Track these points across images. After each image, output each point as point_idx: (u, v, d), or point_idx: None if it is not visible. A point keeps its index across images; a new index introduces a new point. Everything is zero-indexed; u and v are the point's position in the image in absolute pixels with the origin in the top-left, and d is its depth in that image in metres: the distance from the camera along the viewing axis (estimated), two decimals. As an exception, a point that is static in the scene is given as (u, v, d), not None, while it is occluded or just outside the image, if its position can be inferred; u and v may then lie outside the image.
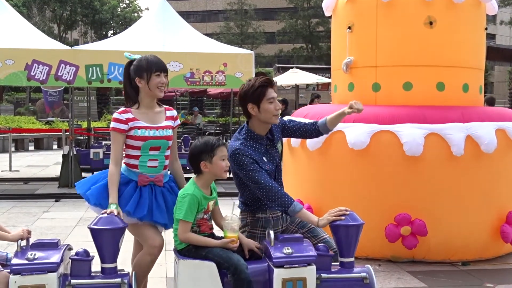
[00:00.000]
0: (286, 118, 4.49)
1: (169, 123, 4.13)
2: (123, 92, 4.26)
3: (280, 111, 3.98)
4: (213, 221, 3.80)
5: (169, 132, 4.09)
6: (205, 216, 3.67)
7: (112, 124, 3.98)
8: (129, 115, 4.00)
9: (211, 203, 3.71)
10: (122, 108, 4.06)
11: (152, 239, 3.93)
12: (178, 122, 4.28)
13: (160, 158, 4.04)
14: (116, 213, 3.60)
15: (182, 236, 3.58)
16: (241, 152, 3.82)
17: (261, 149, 3.96)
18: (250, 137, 3.96)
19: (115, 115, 4.01)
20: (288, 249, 3.44)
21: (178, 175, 4.26)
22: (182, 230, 3.57)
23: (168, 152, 4.11)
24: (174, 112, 4.24)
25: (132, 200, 3.90)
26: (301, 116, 6.86)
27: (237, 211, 3.89)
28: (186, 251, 3.60)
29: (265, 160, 3.94)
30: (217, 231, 3.81)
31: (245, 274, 3.39)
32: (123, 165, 4.04)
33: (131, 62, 4.12)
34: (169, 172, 4.23)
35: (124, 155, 4.06)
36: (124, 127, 3.97)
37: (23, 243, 3.44)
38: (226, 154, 3.69)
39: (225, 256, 3.46)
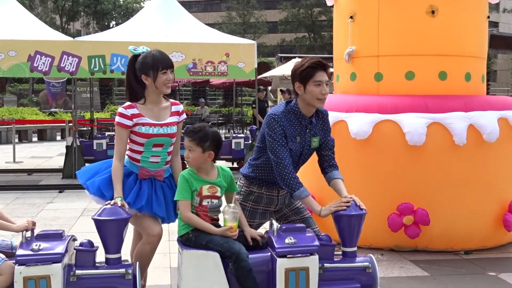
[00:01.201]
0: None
1: (174, 119, 4.12)
2: (125, 84, 4.26)
3: (326, 96, 3.90)
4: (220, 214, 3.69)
5: (173, 130, 4.08)
6: (204, 203, 3.59)
7: (117, 119, 3.97)
8: (135, 111, 3.97)
9: (207, 187, 3.61)
10: (127, 103, 4.03)
11: (151, 229, 3.96)
12: (184, 116, 4.26)
13: (162, 155, 4.06)
14: (120, 205, 3.62)
15: (183, 217, 3.58)
16: (276, 119, 3.86)
17: (298, 128, 3.94)
18: (293, 112, 3.94)
19: (121, 109, 3.99)
20: (290, 239, 3.46)
21: (175, 170, 4.21)
22: (182, 210, 3.58)
23: (171, 149, 4.12)
24: (180, 107, 4.22)
25: (132, 192, 3.92)
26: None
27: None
28: (186, 239, 3.59)
29: (297, 140, 3.93)
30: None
31: (245, 263, 3.40)
32: (126, 157, 4.05)
33: (136, 56, 4.06)
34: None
35: (127, 147, 4.05)
36: (129, 122, 3.95)
37: (28, 234, 3.46)
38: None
39: (226, 245, 3.46)
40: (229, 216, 3.53)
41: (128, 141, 4.02)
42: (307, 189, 3.83)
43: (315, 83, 3.85)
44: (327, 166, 4.10)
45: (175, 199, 3.66)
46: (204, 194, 3.61)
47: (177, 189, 3.63)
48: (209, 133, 3.66)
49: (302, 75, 3.87)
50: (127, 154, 4.05)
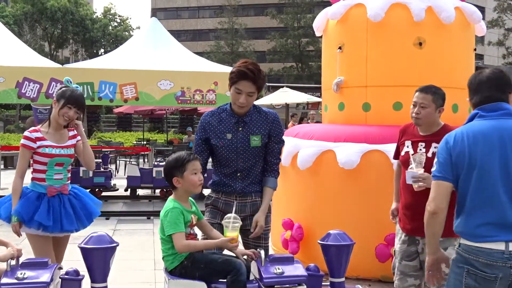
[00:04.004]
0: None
1: (72, 142, 4.70)
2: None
3: (244, 106, 3.94)
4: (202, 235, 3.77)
5: (72, 151, 4.67)
6: (191, 231, 3.60)
7: (22, 141, 4.51)
8: (38, 134, 4.54)
9: (193, 216, 3.64)
10: (32, 128, 4.63)
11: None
12: (79, 138, 4.76)
13: (64, 172, 4.63)
14: (19, 227, 4.25)
15: (181, 247, 3.46)
16: (202, 119, 4.12)
17: (229, 125, 4.04)
18: (225, 110, 4.10)
19: (26, 133, 4.54)
20: (278, 269, 3.43)
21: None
22: (179, 242, 3.46)
23: (69, 168, 4.71)
24: (73, 132, 4.74)
25: (44, 213, 4.42)
26: (291, 135, 6.88)
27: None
28: (182, 268, 3.50)
29: (228, 137, 4.01)
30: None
31: (244, 277, 3.37)
32: (30, 182, 4.54)
33: (65, 87, 4.64)
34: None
35: (32, 170, 4.56)
36: (33, 145, 4.49)
37: (13, 262, 3.41)
38: (198, 168, 3.62)
39: (227, 262, 3.41)
40: (229, 227, 3.51)
41: (32, 163, 4.54)
42: None
43: (236, 89, 3.92)
44: (268, 171, 4.14)
45: (168, 233, 3.49)
46: (193, 223, 3.63)
47: (170, 223, 3.49)
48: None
49: (230, 76, 3.99)
50: (32, 178, 4.56)
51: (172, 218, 3.50)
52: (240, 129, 4.02)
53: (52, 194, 4.53)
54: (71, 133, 4.73)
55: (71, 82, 4.73)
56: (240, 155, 4.01)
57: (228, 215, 3.56)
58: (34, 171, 4.56)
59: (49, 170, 4.53)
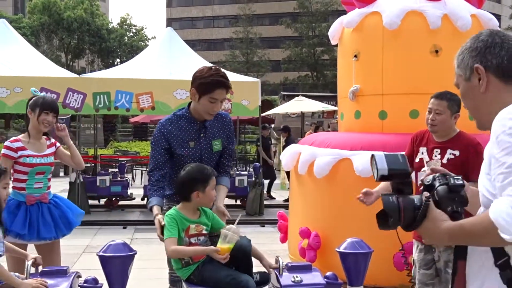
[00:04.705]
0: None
1: (52, 150, 4.83)
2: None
3: (217, 112, 3.91)
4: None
5: (52, 159, 4.80)
6: (192, 241, 3.53)
7: (3, 151, 4.62)
8: (19, 144, 4.65)
9: (194, 226, 3.56)
10: (13, 138, 4.76)
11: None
12: (58, 144, 4.94)
13: (44, 181, 4.74)
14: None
15: (170, 252, 3.51)
16: (160, 127, 3.95)
17: (190, 132, 3.95)
18: (184, 117, 3.96)
19: (7, 143, 4.67)
20: (296, 277, 3.43)
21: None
22: (168, 247, 3.48)
23: (50, 176, 4.82)
24: (52, 140, 4.90)
25: (20, 222, 4.50)
26: (308, 144, 6.88)
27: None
28: (192, 280, 3.50)
29: (191, 145, 3.93)
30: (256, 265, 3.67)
31: None
32: (10, 189, 4.47)
33: (34, 97, 4.77)
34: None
35: (12, 179, 4.60)
36: (14, 154, 4.61)
37: (33, 270, 3.44)
38: (215, 183, 3.66)
39: (234, 281, 3.38)
40: (222, 237, 3.42)
41: (12, 172, 4.62)
42: (156, 200, 3.81)
43: (210, 99, 3.81)
44: (221, 172, 4.07)
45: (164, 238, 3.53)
46: (191, 233, 3.55)
47: (164, 229, 3.53)
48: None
49: (201, 87, 3.81)
50: (12, 187, 4.61)
51: (166, 223, 3.52)
52: (202, 135, 3.97)
53: (31, 203, 4.65)
54: (49, 142, 4.88)
55: (37, 91, 4.90)
56: (203, 162, 3.91)
57: (229, 226, 3.48)
58: (15, 180, 4.67)
59: (30, 179, 4.66)
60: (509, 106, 1.95)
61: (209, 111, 3.85)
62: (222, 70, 3.96)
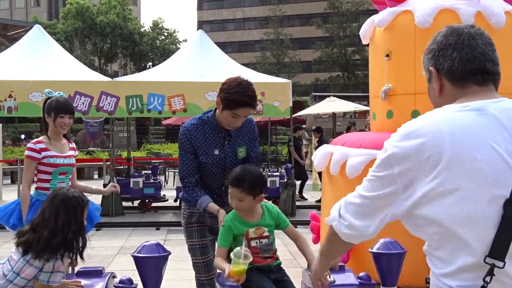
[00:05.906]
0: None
1: (73, 152, 5.00)
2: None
3: (236, 127, 3.84)
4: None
5: (73, 160, 4.96)
6: (252, 245, 3.41)
7: (27, 153, 4.71)
8: (42, 145, 4.76)
9: (253, 230, 3.45)
10: (36, 139, 4.84)
11: None
12: (77, 153, 5.14)
13: (66, 181, 4.87)
14: None
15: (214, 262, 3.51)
16: (185, 132, 3.84)
17: (215, 140, 3.86)
18: (209, 123, 3.86)
19: (30, 145, 4.76)
20: (329, 277, 3.42)
21: (75, 187, 4.89)
22: (215, 256, 3.49)
23: (70, 176, 4.95)
24: (73, 144, 5.08)
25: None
26: (340, 144, 6.85)
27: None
28: None
29: (215, 153, 3.83)
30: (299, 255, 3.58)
31: None
32: (33, 189, 4.78)
33: (49, 98, 4.86)
34: None
35: (35, 179, 4.77)
36: (38, 155, 4.71)
37: (69, 270, 3.50)
38: None
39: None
40: (234, 257, 3.19)
41: (36, 172, 4.74)
42: (206, 199, 3.75)
43: (233, 114, 3.73)
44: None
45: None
46: (251, 237, 3.45)
47: (219, 236, 3.51)
48: (255, 177, 3.48)
49: (225, 101, 3.71)
50: (36, 187, 4.78)
51: (221, 230, 3.50)
52: (226, 143, 3.89)
53: None
54: (71, 145, 5.05)
55: (52, 92, 4.95)
56: (228, 169, 3.82)
57: (240, 247, 3.26)
58: (39, 180, 4.79)
59: (53, 179, 4.78)
60: (404, 125, 1.95)
61: (230, 124, 3.78)
62: (252, 85, 3.81)
